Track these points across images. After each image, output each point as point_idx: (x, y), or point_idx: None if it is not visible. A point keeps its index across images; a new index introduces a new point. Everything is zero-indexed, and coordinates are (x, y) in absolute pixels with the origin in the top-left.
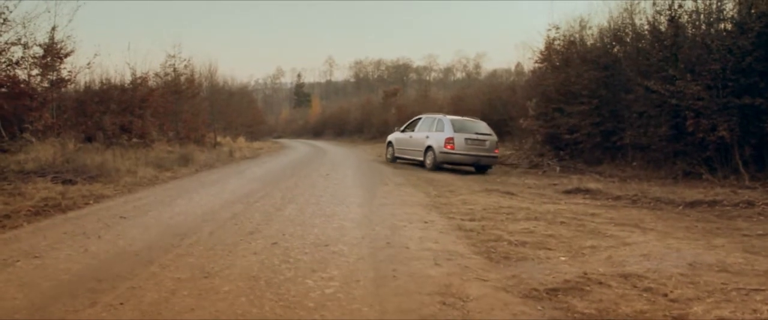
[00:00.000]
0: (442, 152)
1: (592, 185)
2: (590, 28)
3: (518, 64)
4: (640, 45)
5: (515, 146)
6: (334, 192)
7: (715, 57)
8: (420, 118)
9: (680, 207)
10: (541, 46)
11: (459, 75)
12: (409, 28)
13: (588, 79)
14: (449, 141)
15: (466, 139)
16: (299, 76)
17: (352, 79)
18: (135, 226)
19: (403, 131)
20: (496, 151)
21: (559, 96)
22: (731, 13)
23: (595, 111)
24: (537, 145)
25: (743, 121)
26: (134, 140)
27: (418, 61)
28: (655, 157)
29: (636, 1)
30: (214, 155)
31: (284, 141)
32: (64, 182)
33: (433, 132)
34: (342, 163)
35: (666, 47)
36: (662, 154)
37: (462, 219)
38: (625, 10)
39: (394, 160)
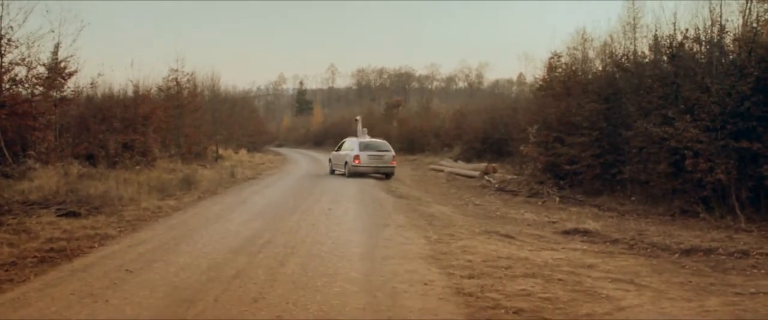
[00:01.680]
0: (352, 165)
1: (590, 224)
2: (592, 48)
3: (520, 75)
4: (641, 80)
5: (516, 170)
6: (336, 240)
7: (715, 99)
8: (345, 141)
9: (676, 255)
10: (543, 71)
11: (461, 84)
12: (412, 36)
13: (589, 111)
14: (357, 157)
15: (369, 155)
16: (301, 82)
17: (355, 87)
18: (141, 286)
19: (337, 150)
20: (394, 162)
21: (560, 126)
22: (731, 56)
23: (595, 143)
24: (537, 172)
25: (741, 163)
26: (137, 158)
27: (420, 70)
28: (653, 192)
29: (638, 31)
30: (217, 175)
31: (286, 152)
32: (68, 215)
33: (350, 151)
34: (343, 191)
35: (666, 85)
36: (660, 190)
37: (461, 276)
38: (626, 29)
39: (332, 172)
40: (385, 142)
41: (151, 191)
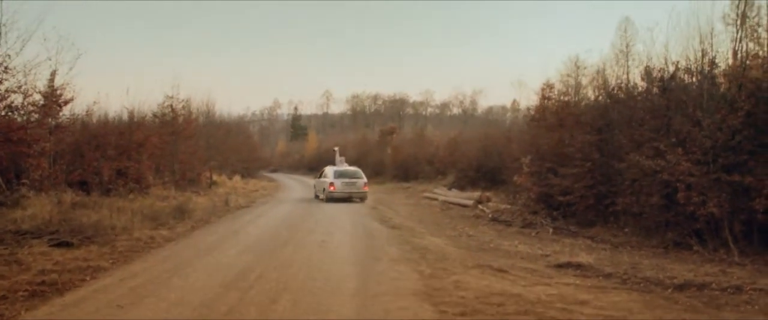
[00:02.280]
0: (328, 192)
1: (583, 257)
2: (585, 76)
3: (514, 102)
4: (633, 112)
5: (510, 200)
6: (329, 274)
7: (706, 133)
8: (325, 169)
9: (669, 290)
10: (536, 100)
11: (455, 111)
12: (406, 63)
13: (581, 142)
14: (332, 184)
15: (343, 182)
16: (296, 108)
17: (349, 113)
18: None
19: (318, 178)
20: (365, 188)
21: (553, 156)
22: (722, 89)
23: (588, 174)
24: (531, 203)
25: (733, 197)
26: (130, 185)
27: (414, 96)
28: (646, 224)
29: (631, 58)
30: (210, 203)
31: (280, 178)
32: (61, 245)
33: (327, 178)
34: (336, 222)
35: (658, 117)
36: (654, 222)
37: (454, 314)
38: (619, 56)
39: (316, 197)
40: (358, 169)
41: (144, 220)
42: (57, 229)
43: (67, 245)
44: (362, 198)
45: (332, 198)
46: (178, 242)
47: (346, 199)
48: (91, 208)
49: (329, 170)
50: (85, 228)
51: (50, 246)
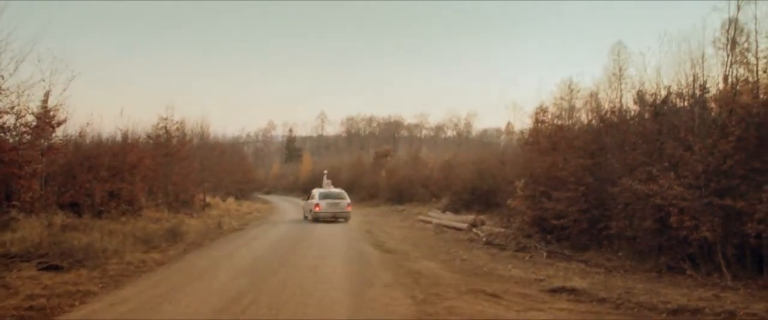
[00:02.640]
0: (314, 212)
1: (577, 282)
2: (579, 98)
3: (509, 124)
4: (626, 137)
5: (504, 223)
6: (321, 301)
7: (698, 157)
8: (312, 191)
9: (663, 315)
10: (530, 124)
11: (450, 133)
12: (401, 85)
13: (575, 166)
14: (317, 205)
15: (328, 203)
16: (291, 130)
17: (344, 135)
18: None
19: (307, 199)
20: (349, 208)
21: (547, 180)
22: (713, 114)
23: (581, 198)
24: (525, 226)
25: (725, 221)
26: (123, 207)
27: (409, 119)
28: (640, 248)
29: (624, 81)
30: (203, 225)
31: (274, 200)
32: (50, 268)
33: (314, 199)
34: (329, 245)
35: (650, 142)
36: (647, 246)
37: None
38: (612, 79)
39: (305, 218)
40: (342, 191)
41: (135, 243)
42: (46, 252)
43: (57, 269)
44: (346, 218)
45: (318, 218)
46: (170, 266)
47: (332, 220)
48: (82, 231)
49: (316, 192)
50: (75, 252)
51: (39, 269)
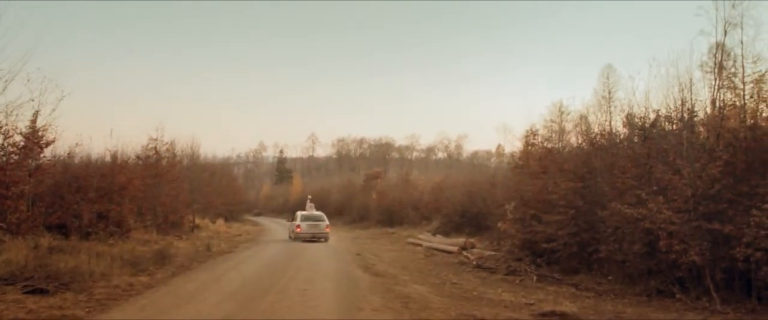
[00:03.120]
0: (296, 233)
1: (567, 306)
2: (569, 120)
3: (499, 146)
4: (615, 160)
5: (494, 246)
6: None
7: (686, 181)
8: (296, 213)
9: None
10: (520, 147)
11: (441, 155)
12: (392, 107)
13: (565, 190)
14: (298, 226)
15: (308, 224)
16: (281, 151)
17: (335, 156)
18: None
19: (291, 221)
20: (328, 229)
21: (537, 203)
22: (701, 138)
23: (571, 221)
24: (515, 249)
25: (714, 245)
26: (111, 228)
27: (400, 141)
28: (630, 271)
29: (613, 104)
30: (192, 247)
31: (264, 221)
32: (35, 292)
33: (296, 221)
34: (319, 269)
35: (640, 165)
36: (637, 270)
37: None
38: (601, 102)
39: (290, 238)
40: (322, 214)
41: (123, 266)
42: (32, 275)
43: (42, 292)
44: (325, 238)
45: (299, 238)
46: (158, 289)
47: (312, 239)
48: (69, 253)
49: (298, 214)
50: (61, 275)
51: (24, 293)
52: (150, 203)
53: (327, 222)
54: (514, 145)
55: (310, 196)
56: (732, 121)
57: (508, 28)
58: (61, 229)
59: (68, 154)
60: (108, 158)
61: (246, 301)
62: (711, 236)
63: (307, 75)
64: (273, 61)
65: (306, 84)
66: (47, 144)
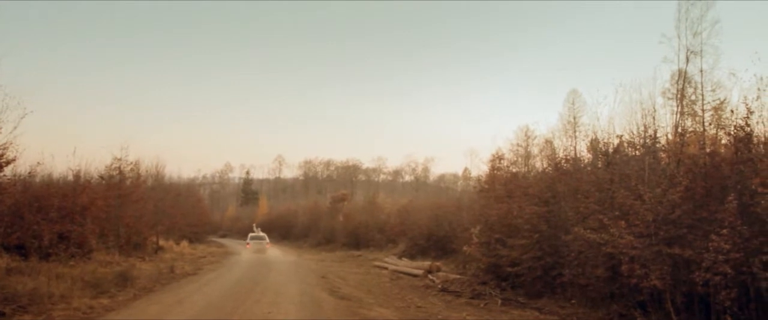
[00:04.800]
0: (246, 248)
1: None
2: (535, 145)
3: (466, 169)
4: (579, 185)
5: (459, 270)
6: None
7: (648, 206)
8: (248, 234)
9: None
10: (486, 169)
11: (408, 178)
12: (360, 130)
13: (529, 214)
14: (248, 244)
15: (254, 242)
16: (248, 172)
17: (301, 178)
18: None
19: (246, 240)
20: (268, 246)
21: (502, 227)
22: (662, 163)
23: (536, 245)
24: (480, 273)
25: (674, 269)
26: (72, 249)
27: (367, 163)
28: (592, 295)
29: (578, 129)
30: (155, 269)
31: (229, 243)
32: None
33: (247, 240)
34: (283, 291)
35: (603, 190)
36: (599, 294)
37: None
38: (567, 127)
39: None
40: (265, 235)
41: (84, 288)
42: None
43: None
44: (265, 251)
45: (249, 251)
46: (119, 312)
47: (257, 252)
48: (28, 274)
49: (249, 235)
50: (19, 297)
51: None
52: (113, 224)
53: (267, 240)
54: (480, 169)
55: (255, 224)
56: (692, 147)
57: (476, 52)
58: (20, 250)
59: (29, 172)
60: (70, 177)
61: None
62: (671, 260)
63: (275, 96)
64: (241, 83)
65: (273, 106)
66: (7, 163)
